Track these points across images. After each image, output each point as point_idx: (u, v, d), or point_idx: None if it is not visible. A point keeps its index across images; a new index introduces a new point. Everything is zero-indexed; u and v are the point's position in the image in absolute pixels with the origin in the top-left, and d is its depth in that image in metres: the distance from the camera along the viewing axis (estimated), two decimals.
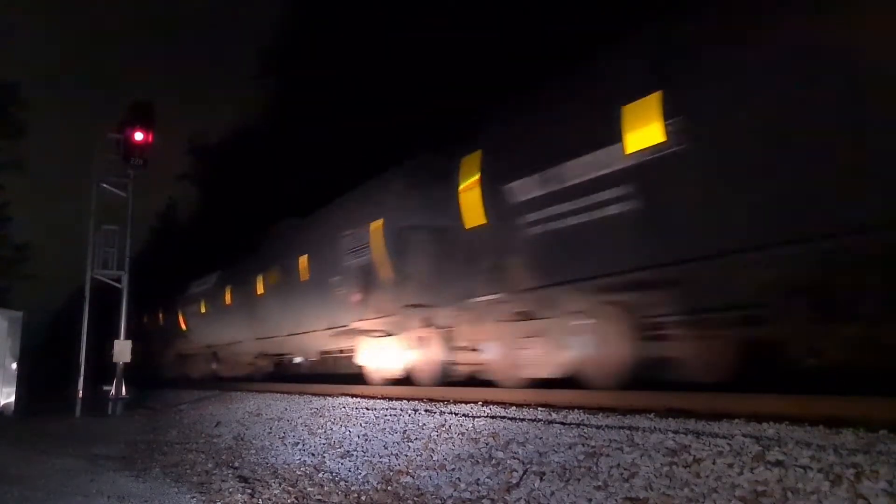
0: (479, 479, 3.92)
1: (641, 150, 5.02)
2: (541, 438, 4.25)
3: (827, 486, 2.69)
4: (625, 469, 3.40)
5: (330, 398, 8.51)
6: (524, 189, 6.36)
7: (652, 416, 4.47)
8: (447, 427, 5.16)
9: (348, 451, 5.36)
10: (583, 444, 3.92)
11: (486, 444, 4.47)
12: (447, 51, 17.37)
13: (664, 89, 4.88)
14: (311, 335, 11.79)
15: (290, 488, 4.54)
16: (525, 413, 5.27)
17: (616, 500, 3.14)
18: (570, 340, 6.15)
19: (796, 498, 2.69)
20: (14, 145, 26.62)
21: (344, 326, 10.13)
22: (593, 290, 5.82)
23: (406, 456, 4.80)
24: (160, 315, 22.35)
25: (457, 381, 8.11)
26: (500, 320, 7.10)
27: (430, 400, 7.03)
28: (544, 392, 6.26)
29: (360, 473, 4.71)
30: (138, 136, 13.42)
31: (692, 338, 5.06)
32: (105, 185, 13.49)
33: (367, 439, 5.60)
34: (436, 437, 5.01)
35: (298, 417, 7.41)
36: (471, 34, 16.66)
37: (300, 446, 6.01)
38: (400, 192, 8.89)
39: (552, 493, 3.41)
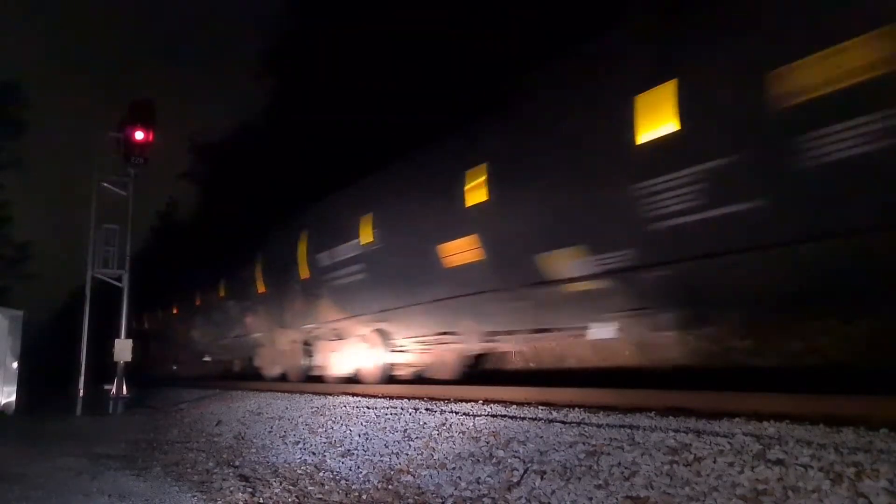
0: (479, 478, 3.92)
1: None
2: (541, 437, 4.25)
3: (827, 484, 2.69)
4: (625, 468, 3.40)
5: (331, 397, 8.50)
6: None
7: (652, 414, 4.47)
8: (448, 426, 5.16)
9: (349, 450, 5.36)
10: (583, 443, 3.92)
11: (487, 443, 4.47)
12: (446, 47, 17.35)
13: None
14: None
15: (290, 487, 4.54)
16: (526, 412, 5.27)
17: (617, 499, 3.14)
18: None
19: (797, 496, 2.69)
20: (14, 144, 26.68)
21: None
22: None
23: (407, 455, 4.80)
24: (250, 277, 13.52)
25: (457, 379, 8.10)
26: None
27: (431, 399, 7.03)
28: (545, 390, 6.26)
29: (361, 472, 4.71)
30: (139, 134, 13.42)
31: None
32: (105, 185, 13.51)
33: (367, 438, 5.60)
34: (436, 435, 5.01)
35: (299, 416, 7.41)
36: (469, 32, 16.64)
37: (301, 445, 6.01)
38: None
39: (553, 492, 3.41)
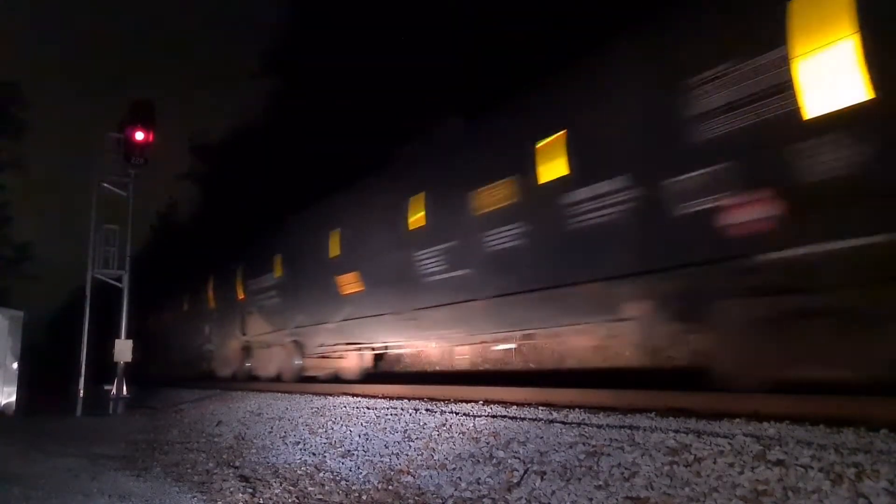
0: (479, 479, 3.92)
1: None
2: (541, 438, 4.25)
3: (828, 485, 2.69)
4: (626, 468, 3.40)
5: (331, 397, 8.50)
6: None
7: (653, 415, 4.47)
8: (448, 426, 5.16)
9: (349, 451, 5.36)
10: (583, 444, 3.92)
11: (487, 444, 4.47)
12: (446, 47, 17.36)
13: None
14: None
15: (290, 488, 4.54)
16: (526, 412, 5.27)
17: (617, 500, 3.14)
18: None
19: (797, 497, 2.69)
20: (14, 145, 26.68)
21: None
22: None
23: (407, 455, 4.80)
24: None
25: (458, 380, 8.10)
26: None
27: (431, 399, 7.03)
28: (545, 391, 6.26)
29: (361, 473, 4.71)
30: (139, 135, 13.43)
31: None
32: (106, 185, 13.51)
33: (367, 439, 5.60)
34: (437, 436, 5.01)
35: (299, 417, 7.41)
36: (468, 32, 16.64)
37: (301, 446, 6.01)
38: None
39: (553, 493, 3.41)
